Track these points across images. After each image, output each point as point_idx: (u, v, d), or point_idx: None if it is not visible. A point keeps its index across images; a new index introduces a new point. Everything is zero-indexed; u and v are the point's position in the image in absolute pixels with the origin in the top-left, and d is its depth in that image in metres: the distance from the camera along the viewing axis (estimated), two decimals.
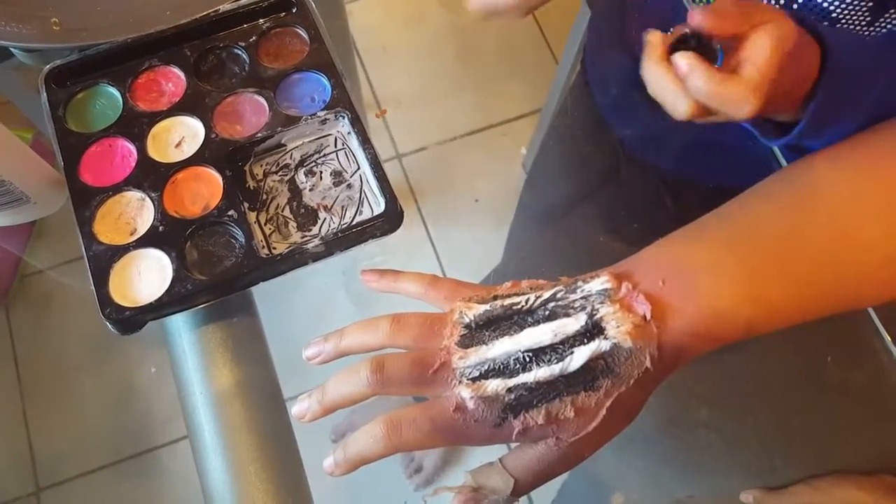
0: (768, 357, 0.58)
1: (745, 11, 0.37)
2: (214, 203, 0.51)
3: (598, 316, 0.37)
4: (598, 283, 0.38)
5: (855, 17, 0.45)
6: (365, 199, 0.53)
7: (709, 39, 0.38)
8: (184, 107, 0.55)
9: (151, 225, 0.50)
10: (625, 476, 0.62)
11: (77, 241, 0.50)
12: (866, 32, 0.46)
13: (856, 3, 0.44)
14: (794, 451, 0.57)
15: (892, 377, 0.54)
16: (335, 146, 0.55)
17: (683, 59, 0.37)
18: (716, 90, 0.37)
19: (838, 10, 0.45)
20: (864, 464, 0.53)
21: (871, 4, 0.44)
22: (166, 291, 0.47)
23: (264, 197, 0.53)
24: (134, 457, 0.71)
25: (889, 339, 0.52)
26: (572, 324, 0.37)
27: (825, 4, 0.45)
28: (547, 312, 0.38)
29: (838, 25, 0.46)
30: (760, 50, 0.36)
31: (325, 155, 0.55)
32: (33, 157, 0.54)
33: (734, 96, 0.36)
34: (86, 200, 0.51)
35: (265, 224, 0.52)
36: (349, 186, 0.54)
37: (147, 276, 0.48)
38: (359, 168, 0.54)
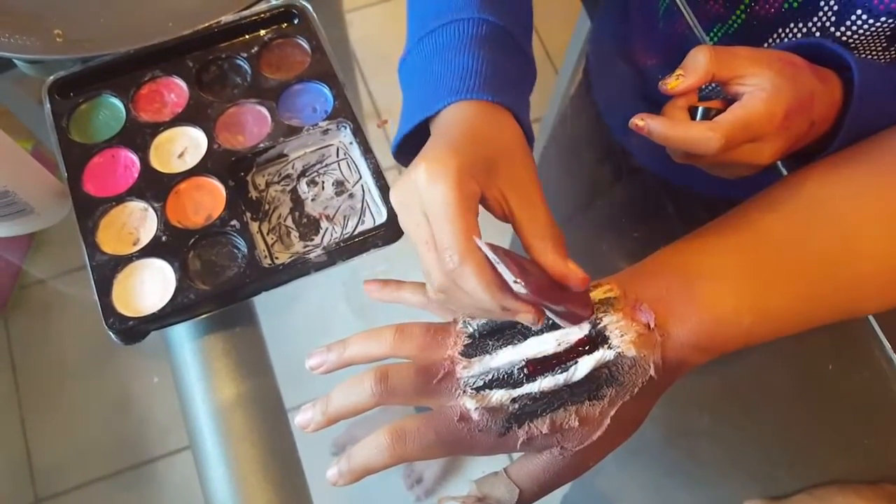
0: (770, 366, 0.58)
1: (723, 62, 0.39)
2: (217, 213, 0.51)
3: (601, 325, 0.37)
4: (602, 291, 0.39)
5: (872, 45, 0.46)
6: (367, 209, 0.53)
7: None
8: (186, 117, 0.55)
9: (154, 235, 0.50)
10: (627, 487, 0.61)
11: (78, 250, 0.50)
12: (882, 59, 0.47)
13: (873, 32, 0.44)
14: (796, 461, 0.57)
15: (894, 385, 0.54)
16: (337, 156, 0.55)
17: (640, 121, 0.39)
18: (677, 134, 0.38)
19: (854, 40, 0.46)
20: (865, 473, 0.53)
21: (888, 34, 0.44)
22: (169, 301, 0.47)
23: (266, 207, 0.53)
24: (134, 468, 0.71)
25: (889, 346, 0.52)
26: (576, 333, 0.37)
27: (842, 29, 0.45)
28: (550, 321, 0.38)
29: (855, 52, 0.46)
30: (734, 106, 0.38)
31: (326, 165, 0.55)
32: (37, 167, 0.55)
33: (696, 136, 0.38)
34: (89, 211, 0.51)
35: (267, 234, 0.52)
36: (351, 196, 0.54)
37: (150, 285, 0.49)
38: (360, 178, 0.54)
